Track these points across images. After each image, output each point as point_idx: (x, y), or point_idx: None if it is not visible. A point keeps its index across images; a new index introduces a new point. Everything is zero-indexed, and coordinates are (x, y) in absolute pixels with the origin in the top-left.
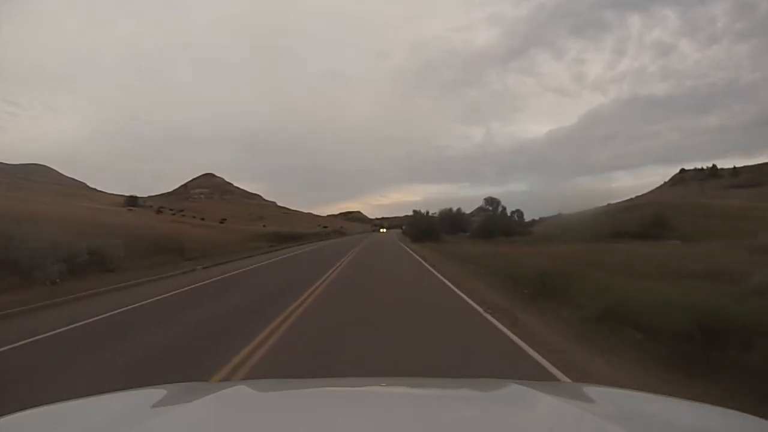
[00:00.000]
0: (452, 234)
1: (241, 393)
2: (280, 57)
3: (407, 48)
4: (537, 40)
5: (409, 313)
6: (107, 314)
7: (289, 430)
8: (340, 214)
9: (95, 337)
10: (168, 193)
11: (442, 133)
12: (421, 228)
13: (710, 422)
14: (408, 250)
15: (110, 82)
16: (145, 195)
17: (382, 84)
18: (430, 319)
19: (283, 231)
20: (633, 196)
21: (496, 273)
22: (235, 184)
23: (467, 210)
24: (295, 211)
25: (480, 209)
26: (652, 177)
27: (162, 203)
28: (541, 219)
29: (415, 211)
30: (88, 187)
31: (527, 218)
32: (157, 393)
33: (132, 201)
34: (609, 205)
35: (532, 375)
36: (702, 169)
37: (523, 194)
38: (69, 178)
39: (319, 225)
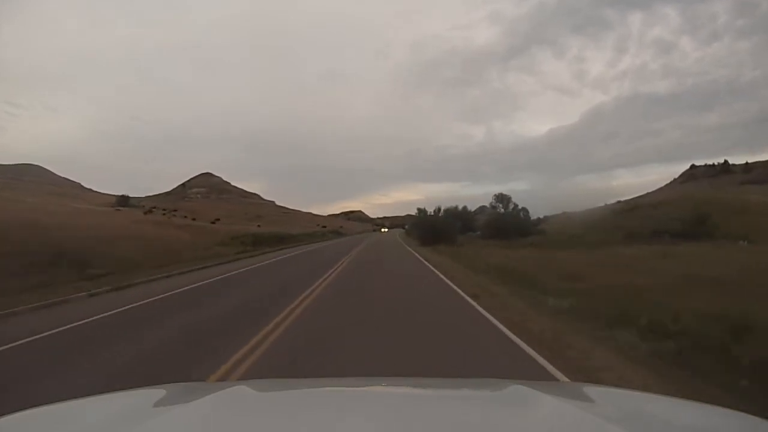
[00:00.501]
0: (461, 234)
1: (240, 393)
2: (280, 57)
3: (407, 47)
4: (538, 38)
5: None
6: None
7: (289, 430)
8: (341, 213)
9: None
10: (166, 193)
11: (443, 132)
12: (429, 228)
13: (710, 422)
14: (419, 258)
15: (110, 82)
16: (143, 195)
17: (382, 83)
18: None
19: (264, 232)
20: (643, 193)
21: (625, 320)
22: (234, 184)
23: (470, 208)
24: (295, 210)
25: (482, 208)
26: (653, 175)
27: (159, 203)
28: (546, 217)
29: (419, 209)
30: (83, 187)
31: (531, 216)
32: (157, 393)
33: (123, 201)
34: (618, 202)
35: None
36: (713, 165)
37: (525, 193)
38: (63, 178)
39: (318, 225)
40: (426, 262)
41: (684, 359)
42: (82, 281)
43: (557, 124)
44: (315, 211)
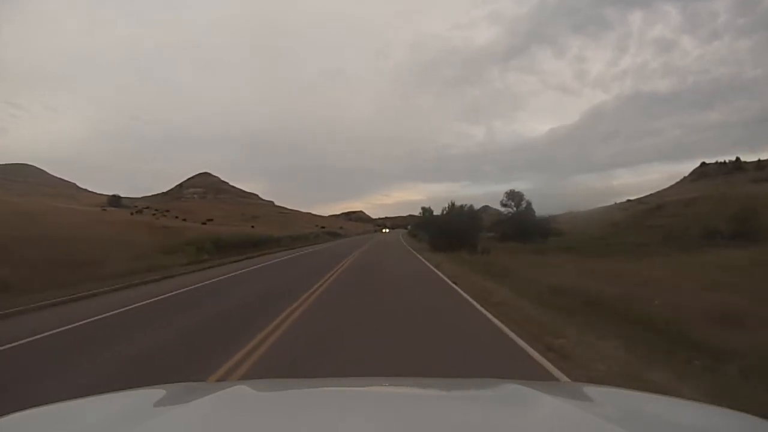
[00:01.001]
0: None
1: (240, 393)
2: (280, 57)
3: (407, 47)
4: (538, 37)
5: None
6: None
7: (289, 431)
8: (342, 214)
9: None
10: (163, 193)
11: (443, 132)
12: (443, 230)
13: (710, 422)
14: (443, 277)
15: (110, 82)
16: (140, 195)
17: (382, 83)
18: None
19: (226, 236)
20: (651, 192)
21: None
22: (232, 184)
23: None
24: (294, 210)
25: (485, 207)
26: (654, 174)
27: (156, 203)
28: (552, 216)
29: (423, 209)
30: (78, 187)
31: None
32: (157, 393)
33: (115, 201)
34: (628, 201)
35: None
36: (724, 162)
37: (525, 192)
38: (58, 178)
39: (317, 225)
40: (462, 291)
41: None
42: None
43: (558, 123)
44: (316, 212)
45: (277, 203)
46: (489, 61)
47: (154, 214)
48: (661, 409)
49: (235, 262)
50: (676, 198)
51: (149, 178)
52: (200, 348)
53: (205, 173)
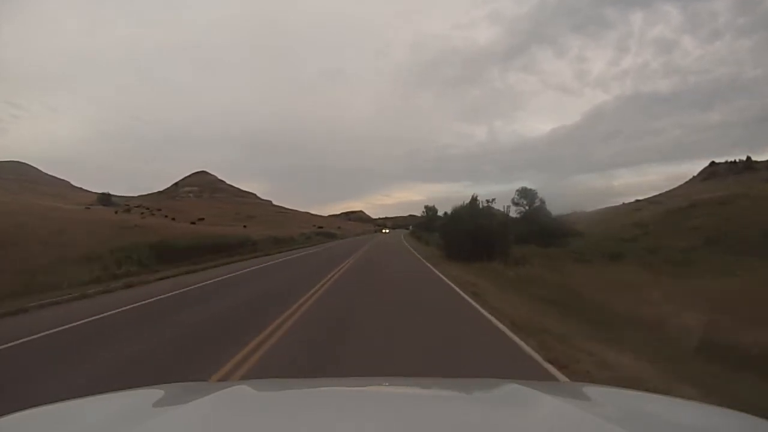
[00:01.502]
0: None
1: (241, 393)
2: (280, 57)
3: (408, 47)
4: (538, 37)
5: None
6: None
7: (289, 431)
8: (342, 213)
9: None
10: (159, 192)
11: (443, 132)
12: (463, 234)
13: (710, 422)
14: (517, 341)
15: (110, 82)
16: (137, 194)
17: (382, 83)
18: None
19: (177, 240)
20: (660, 191)
21: None
22: (229, 182)
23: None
24: (292, 210)
25: (488, 206)
26: (653, 175)
27: (151, 202)
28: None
29: (426, 207)
30: (72, 186)
31: None
32: (157, 393)
33: (105, 199)
34: (637, 201)
35: None
36: (735, 161)
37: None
38: (50, 176)
39: (314, 225)
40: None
41: None
42: None
43: (558, 123)
44: (316, 212)
45: (275, 203)
46: (489, 61)
47: (142, 213)
48: (661, 409)
49: (157, 280)
50: (707, 197)
51: (149, 177)
52: None
53: (202, 172)
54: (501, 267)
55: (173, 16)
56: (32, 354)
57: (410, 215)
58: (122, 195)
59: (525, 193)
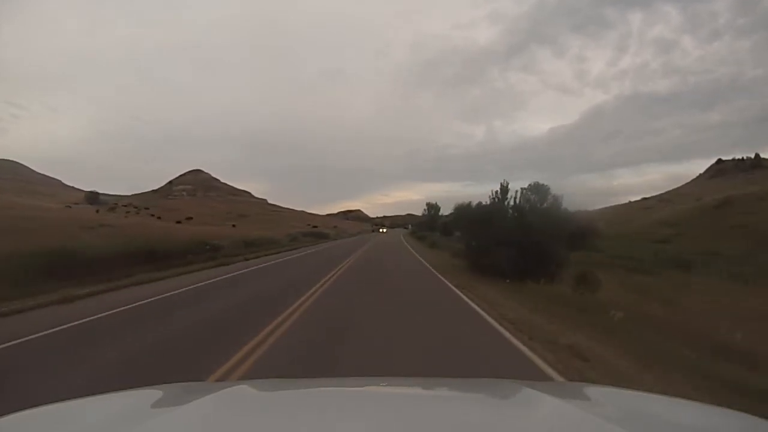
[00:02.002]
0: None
1: (241, 393)
2: (280, 57)
3: (407, 47)
4: (538, 37)
5: None
6: None
7: (289, 431)
8: (339, 213)
9: None
10: (153, 190)
11: (443, 132)
12: (489, 237)
13: (710, 422)
14: None
15: (110, 82)
16: (132, 193)
17: (382, 83)
18: None
19: (91, 247)
20: (664, 190)
21: None
22: (223, 181)
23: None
24: (288, 209)
25: (493, 202)
26: (654, 174)
27: (144, 201)
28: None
29: (429, 205)
30: (63, 184)
31: None
32: (157, 393)
33: (93, 198)
34: (645, 199)
35: None
36: (742, 159)
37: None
38: (42, 175)
39: (308, 224)
40: None
41: None
42: None
43: (558, 123)
44: (315, 211)
45: (270, 201)
46: (489, 61)
47: (127, 212)
48: (661, 409)
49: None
50: (740, 193)
51: (148, 177)
52: None
53: (196, 170)
54: (566, 290)
55: (173, 16)
56: None
57: (408, 214)
58: (116, 194)
59: (537, 189)
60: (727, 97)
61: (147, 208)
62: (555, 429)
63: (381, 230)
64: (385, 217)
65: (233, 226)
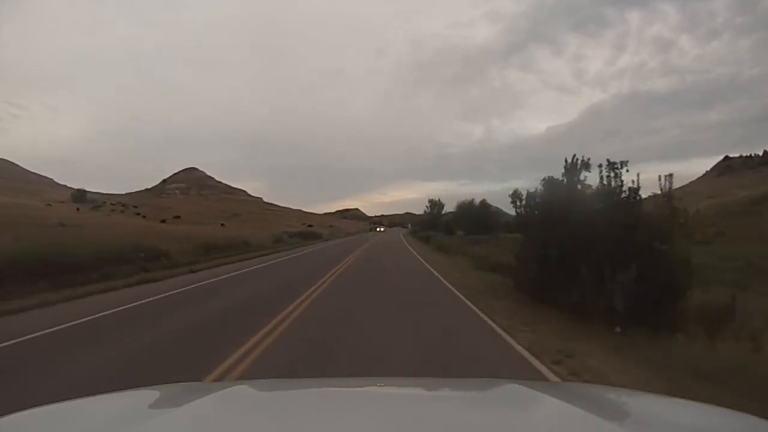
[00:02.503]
0: (487, 233)
1: (241, 393)
2: (279, 56)
3: (407, 46)
4: (536, 36)
5: None
6: None
7: (289, 431)
8: (337, 211)
9: None
10: (146, 189)
11: (442, 131)
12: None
13: (711, 422)
14: None
15: (111, 82)
16: (125, 192)
17: (382, 83)
18: None
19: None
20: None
21: None
22: (218, 179)
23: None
24: (284, 208)
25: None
26: (653, 173)
27: (137, 200)
28: None
29: (431, 201)
30: (56, 183)
31: None
32: (157, 393)
33: (80, 196)
34: (654, 195)
35: None
36: (750, 156)
37: (524, 191)
38: (33, 173)
39: (304, 223)
40: None
41: None
42: None
43: (556, 122)
44: (313, 210)
45: (268, 200)
46: (488, 60)
47: (113, 210)
48: (661, 409)
49: None
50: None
51: (147, 176)
52: None
53: (191, 168)
54: (728, 351)
55: (173, 16)
56: None
57: (407, 213)
58: (112, 193)
59: (551, 184)
60: (726, 97)
61: (135, 207)
62: (555, 429)
63: (378, 229)
64: (383, 216)
65: (222, 225)
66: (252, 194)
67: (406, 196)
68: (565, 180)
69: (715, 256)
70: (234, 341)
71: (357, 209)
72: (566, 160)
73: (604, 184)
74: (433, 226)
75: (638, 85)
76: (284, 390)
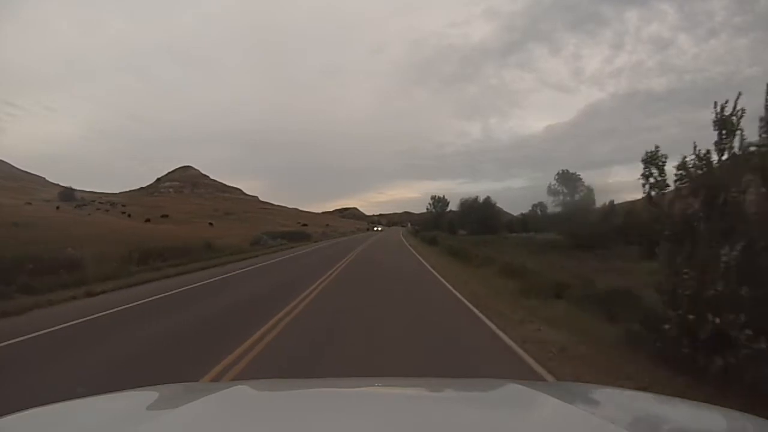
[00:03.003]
0: (492, 233)
1: (241, 393)
2: (275, 54)
3: (404, 44)
4: (534, 35)
5: None
6: None
7: (288, 431)
8: (335, 210)
9: None
10: (140, 188)
11: (440, 130)
12: None
13: (711, 422)
14: None
15: (109, 81)
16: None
17: (379, 81)
18: None
19: None
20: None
21: None
22: (213, 177)
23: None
24: (279, 206)
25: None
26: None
27: (130, 198)
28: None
29: (434, 198)
30: (47, 181)
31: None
32: (158, 393)
33: (67, 194)
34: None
35: None
36: None
37: (525, 189)
38: (23, 171)
39: (298, 222)
40: None
41: None
42: None
43: (554, 120)
44: (309, 209)
45: (264, 199)
46: (486, 58)
47: (97, 209)
48: (661, 409)
49: None
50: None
51: (144, 176)
52: None
53: (185, 167)
54: None
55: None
56: None
57: (405, 212)
58: (105, 192)
59: (566, 179)
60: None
61: (124, 206)
62: (555, 429)
63: (375, 228)
64: (381, 215)
65: (210, 224)
66: (248, 193)
67: (405, 195)
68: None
69: None
70: None
71: (355, 208)
72: None
73: None
74: (436, 226)
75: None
76: (284, 390)
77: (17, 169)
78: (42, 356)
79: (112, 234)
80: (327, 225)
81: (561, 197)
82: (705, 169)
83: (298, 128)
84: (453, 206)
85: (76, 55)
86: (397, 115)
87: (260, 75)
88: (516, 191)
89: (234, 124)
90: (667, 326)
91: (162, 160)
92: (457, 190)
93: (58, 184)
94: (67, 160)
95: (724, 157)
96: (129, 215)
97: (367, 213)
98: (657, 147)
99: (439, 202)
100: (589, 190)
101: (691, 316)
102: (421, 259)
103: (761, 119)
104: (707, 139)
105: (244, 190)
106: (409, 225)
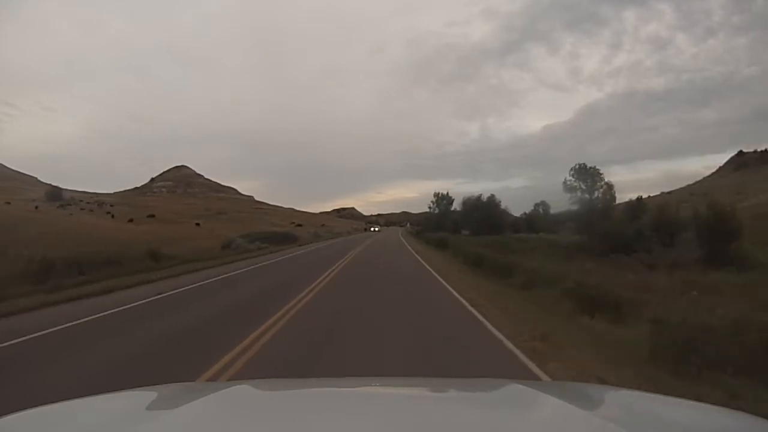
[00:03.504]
0: (496, 233)
1: (241, 393)
2: (275, 54)
3: (403, 44)
4: (533, 34)
5: None
6: None
7: (289, 431)
8: (333, 210)
9: None
10: (134, 188)
11: (439, 130)
12: None
13: (711, 422)
14: None
15: (109, 81)
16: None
17: (379, 81)
18: None
19: None
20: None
21: None
22: (207, 177)
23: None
24: (274, 206)
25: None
26: (650, 172)
27: (121, 198)
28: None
29: (437, 195)
30: (38, 181)
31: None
32: (158, 393)
33: (55, 194)
34: (664, 194)
35: None
36: (765, 150)
37: (524, 189)
38: (15, 171)
39: (292, 223)
40: None
41: None
42: None
43: (553, 120)
44: (310, 209)
45: (260, 199)
46: (484, 58)
47: (81, 209)
48: (662, 409)
49: None
50: None
51: (142, 176)
52: None
53: (179, 166)
54: None
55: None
56: None
57: (403, 212)
58: (98, 192)
59: (583, 173)
60: (724, 95)
61: (112, 206)
62: (555, 429)
63: (372, 229)
64: (379, 215)
65: (197, 224)
66: (243, 192)
67: (403, 195)
68: None
69: None
70: None
71: (353, 208)
72: None
73: None
74: (439, 226)
75: (634, 83)
76: (284, 390)
77: (9, 169)
78: None
79: (58, 236)
80: (322, 225)
81: (578, 194)
82: None
83: (298, 128)
84: (454, 205)
85: (76, 55)
86: (396, 115)
87: (260, 75)
88: (515, 191)
89: (234, 124)
90: None
91: (162, 160)
92: (456, 189)
93: (49, 184)
94: (67, 160)
95: None
96: (113, 215)
97: (365, 213)
98: None
99: (443, 200)
100: (610, 186)
101: None
102: (442, 281)
103: None
104: (707, 138)
105: (242, 191)
106: (408, 225)
